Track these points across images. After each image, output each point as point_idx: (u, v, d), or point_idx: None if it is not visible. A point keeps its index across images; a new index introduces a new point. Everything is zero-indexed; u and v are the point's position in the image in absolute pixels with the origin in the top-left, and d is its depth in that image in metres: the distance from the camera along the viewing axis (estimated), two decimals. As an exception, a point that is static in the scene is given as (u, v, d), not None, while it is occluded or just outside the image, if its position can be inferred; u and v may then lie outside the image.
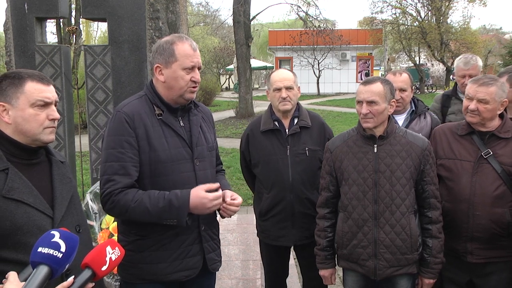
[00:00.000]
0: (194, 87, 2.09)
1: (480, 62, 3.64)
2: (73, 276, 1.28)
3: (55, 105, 1.78)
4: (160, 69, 2.08)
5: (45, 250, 1.22)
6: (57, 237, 1.25)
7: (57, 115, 1.76)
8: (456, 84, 3.81)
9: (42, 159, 1.79)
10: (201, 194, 1.97)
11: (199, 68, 2.11)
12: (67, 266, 1.27)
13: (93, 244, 3.26)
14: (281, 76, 2.91)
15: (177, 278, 2.10)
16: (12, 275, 1.21)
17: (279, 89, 2.86)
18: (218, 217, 2.22)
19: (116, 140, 2.00)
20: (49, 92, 1.74)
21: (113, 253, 1.37)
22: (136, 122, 2.03)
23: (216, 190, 2.04)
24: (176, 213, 1.95)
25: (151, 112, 2.08)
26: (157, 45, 2.11)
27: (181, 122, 2.13)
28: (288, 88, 2.86)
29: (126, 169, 1.98)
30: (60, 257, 1.23)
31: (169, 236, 2.06)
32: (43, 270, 1.20)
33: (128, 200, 1.96)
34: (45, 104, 1.72)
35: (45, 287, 1.20)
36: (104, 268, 1.33)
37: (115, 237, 2.82)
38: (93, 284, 1.35)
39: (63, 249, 1.24)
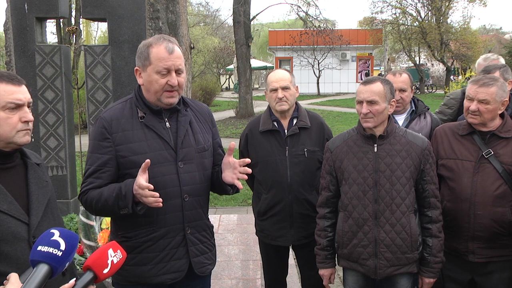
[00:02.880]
0: (170, 91, 2.02)
1: (502, 60, 3.64)
2: (74, 279, 1.28)
3: (29, 106, 1.69)
4: (139, 72, 2.06)
5: (45, 249, 1.22)
6: (56, 236, 1.25)
7: (30, 117, 1.66)
8: None
9: (17, 163, 1.71)
10: (136, 179, 1.87)
11: (177, 71, 2.02)
12: (67, 265, 1.26)
13: (92, 244, 3.27)
14: (277, 76, 2.90)
15: (162, 281, 2.09)
16: (13, 276, 1.21)
17: (275, 90, 2.86)
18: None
19: (95, 145, 2.05)
20: (21, 93, 1.65)
21: (114, 256, 1.36)
22: (113, 128, 2.03)
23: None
24: (124, 201, 1.92)
25: (134, 115, 2.07)
26: (138, 47, 2.09)
27: (167, 123, 2.09)
28: (285, 88, 2.85)
29: (98, 172, 2.03)
30: (60, 255, 1.22)
31: (153, 238, 2.06)
32: (43, 269, 1.20)
33: (93, 196, 2.01)
34: (17, 106, 1.63)
35: None
36: (105, 271, 1.32)
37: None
38: (94, 286, 1.34)
39: (62, 247, 1.24)
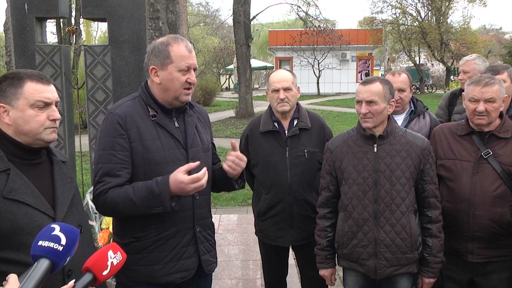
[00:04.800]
0: (188, 89, 2.07)
1: (480, 61, 3.69)
2: (73, 280, 1.28)
3: (56, 105, 1.76)
4: (155, 71, 2.06)
5: (45, 243, 1.22)
6: (57, 230, 1.25)
7: (57, 116, 1.74)
8: None
9: (43, 159, 1.78)
10: (178, 178, 1.90)
11: (194, 69, 2.09)
12: (67, 259, 1.26)
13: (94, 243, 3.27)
14: (279, 76, 2.89)
15: (172, 280, 2.09)
16: (12, 278, 1.21)
17: (277, 90, 2.85)
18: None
19: (108, 142, 2.01)
20: (49, 92, 1.72)
21: (114, 258, 1.36)
22: (128, 124, 2.02)
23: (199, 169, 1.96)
24: (158, 200, 1.92)
25: (145, 113, 2.07)
26: (152, 46, 2.09)
27: (176, 123, 2.12)
28: (286, 89, 2.84)
29: (116, 170, 1.99)
30: (60, 250, 1.23)
31: (163, 237, 2.06)
32: (44, 264, 1.20)
33: (114, 197, 1.96)
34: (45, 105, 1.70)
35: None
36: (105, 272, 1.32)
37: (115, 237, 2.81)
38: None
39: (63, 242, 1.24)
